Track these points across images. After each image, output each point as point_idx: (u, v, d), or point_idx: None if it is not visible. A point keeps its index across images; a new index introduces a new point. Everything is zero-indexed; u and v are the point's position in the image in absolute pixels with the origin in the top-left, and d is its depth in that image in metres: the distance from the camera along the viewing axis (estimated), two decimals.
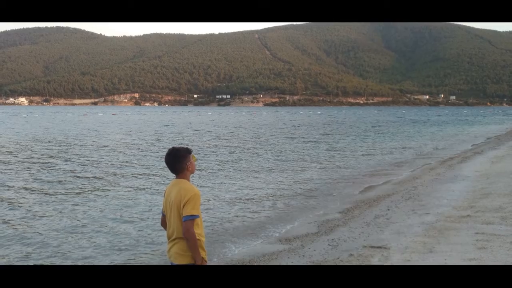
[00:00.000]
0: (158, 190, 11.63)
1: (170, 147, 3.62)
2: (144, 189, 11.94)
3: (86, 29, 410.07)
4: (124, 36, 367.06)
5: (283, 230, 8.16)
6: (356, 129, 43.48)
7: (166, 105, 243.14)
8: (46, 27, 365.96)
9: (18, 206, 9.93)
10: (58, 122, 53.94)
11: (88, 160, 17.86)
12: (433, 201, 9.07)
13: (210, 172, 14.84)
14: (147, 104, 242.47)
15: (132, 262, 6.57)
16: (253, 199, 10.78)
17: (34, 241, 7.48)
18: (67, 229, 8.21)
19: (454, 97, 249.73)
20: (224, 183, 12.95)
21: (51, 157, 19.08)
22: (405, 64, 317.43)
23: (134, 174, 14.51)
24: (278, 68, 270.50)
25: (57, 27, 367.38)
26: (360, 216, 8.52)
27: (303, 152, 21.45)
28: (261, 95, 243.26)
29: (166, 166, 3.53)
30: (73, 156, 19.39)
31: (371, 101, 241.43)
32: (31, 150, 21.65)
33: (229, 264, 6.36)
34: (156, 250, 7.06)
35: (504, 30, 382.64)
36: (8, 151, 21.17)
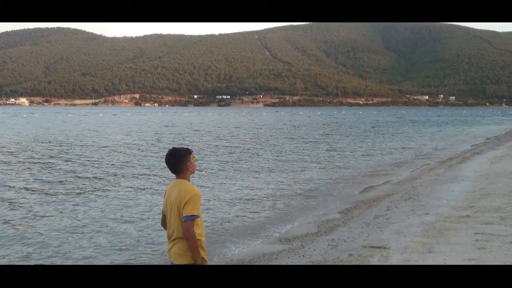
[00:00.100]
0: (158, 190, 11.64)
1: (171, 147, 3.63)
2: (144, 189, 11.95)
3: (87, 30, 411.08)
4: (125, 37, 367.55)
5: (283, 230, 8.17)
6: (355, 129, 43.49)
7: (167, 105, 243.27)
8: (46, 28, 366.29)
9: (19, 206, 9.94)
10: (59, 123, 53.96)
11: (88, 161, 17.87)
12: (433, 201, 9.08)
13: (210, 173, 14.85)
14: (147, 104, 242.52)
15: (133, 262, 6.59)
16: (253, 199, 10.79)
17: (34, 241, 7.49)
18: (67, 229, 8.22)
19: (453, 98, 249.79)
20: (224, 183, 12.96)
21: (51, 157, 19.09)
22: (404, 65, 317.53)
23: (135, 174, 14.53)
24: (278, 68, 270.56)
25: (58, 28, 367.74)
26: (359, 216, 8.53)
27: (303, 153, 21.46)
28: (261, 96, 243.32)
29: (166, 166, 3.54)
30: (74, 156, 19.40)
31: (370, 101, 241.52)
32: (32, 151, 21.67)
33: (229, 264, 6.37)
34: (157, 250, 7.07)
35: (504, 31, 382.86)
36: (9, 152, 21.19)
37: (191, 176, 3.57)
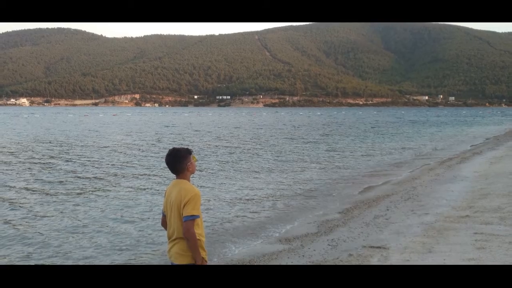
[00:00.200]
0: (158, 190, 11.65)
1: (171, 147, 3.64)
2: (144, 189, 11.96)
3: (87, 30, 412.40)
4: (125, 37, 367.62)
5: (283, 230, 8.18)
6: (355, 129, 43.50)
7: (167, 106, 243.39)
8: (47, 28, 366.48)
9: (19, 206, 9.95)
10: (59, 123, 53.97)
11: (89, 161, 17.88)
12: (432, 202, 9.08)
13: (210, 173, 14.86)
14: (147, 105, 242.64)
15: (133, 262, 6.59)
16: (253, 199, 10.80)
17: (35, 241, 7.50)
18: (68, 229, 8.22)
19: (453, 98, 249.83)
20: (224, 183, 12.97)
21: (52, 157, 19.10)
22: (404, 65, 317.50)
23: (135, 174, 14.53)
24: (278, 69, 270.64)
25: (58, 28, 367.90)
26: (359, 216, 8.53)
27: (303, 153, 21.47)
28: (261, 96, 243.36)
29: (166, 166, 3.54)
30: (74, 156, 19.41)
31: (370, 102, 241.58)
32: (32, 151, 21.68)
33: (229, 264, 6.37)
34: (157, 250, 7.08)
35: (503, 31, 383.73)
36: (9, 152, 21.19)
37: (191, 176, 3.58)
